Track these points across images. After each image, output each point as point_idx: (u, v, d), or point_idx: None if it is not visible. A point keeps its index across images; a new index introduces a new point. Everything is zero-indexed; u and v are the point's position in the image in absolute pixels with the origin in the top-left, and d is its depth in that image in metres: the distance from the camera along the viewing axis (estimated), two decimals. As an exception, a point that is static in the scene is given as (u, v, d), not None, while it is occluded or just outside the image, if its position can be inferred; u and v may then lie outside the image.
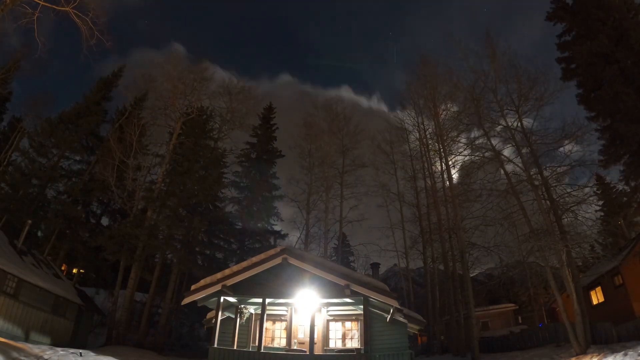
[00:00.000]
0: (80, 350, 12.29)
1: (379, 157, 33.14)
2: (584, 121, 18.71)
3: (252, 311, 13.72)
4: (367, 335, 11.38)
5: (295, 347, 12.54)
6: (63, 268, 27.85)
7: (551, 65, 21.54)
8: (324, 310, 13.32)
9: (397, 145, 33.20)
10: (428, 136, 29.83)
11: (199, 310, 15.60)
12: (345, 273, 11.87)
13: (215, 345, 11.65)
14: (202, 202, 24.18)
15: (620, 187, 25.42)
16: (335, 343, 13.23)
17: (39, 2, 12.50)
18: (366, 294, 11.23)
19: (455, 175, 24.17)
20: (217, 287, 11.96)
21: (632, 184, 21.37)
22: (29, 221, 18.53)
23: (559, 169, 15.67)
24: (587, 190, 15.51)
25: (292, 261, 11.94)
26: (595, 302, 19.64)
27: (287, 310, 13.45)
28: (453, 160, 25.21)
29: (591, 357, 11.68)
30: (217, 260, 27.15)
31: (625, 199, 23.68)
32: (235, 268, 12.37)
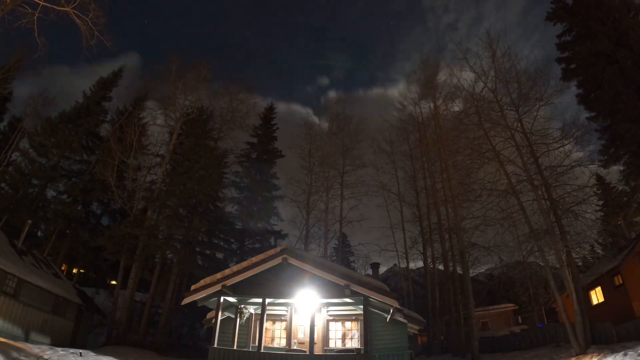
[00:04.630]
0: (80, 350, 12.30)
1: (379, 157, 33.17)
2: (584, 121, 18.74)
3: (252, 311, 13.72)
4: (367, 335, 11.38)
5: (295, 347, 12.54)
6: (63, 268, 27.86)
7: (551, 66, 21.60)
8: (324, 310, 13.33)
9: (398, 145, 33.23)
10: (428, 136, 29.84)
11: (199, 310, 15.61)
12: (345, 273, 11.87)
13: (215, 345, 11.65)
14: (202, 202, 24.19)
15: (620, 187, 25.45)
16: (335, 343, 13.23)
17: (39, 2, 12.50)
18: (366, 294, 11.23)
19: (455, 175, 24.11)
20: (217, 287, 11.96)
21: (632, 184, 21.39)
22: (29, 221, 18.53)
23: (559, 169, 15.65)
24: (587, 190, 15.47)
25: (292, 261, 11.94)
26: (595, 302, 19.64)
27: (287, 310, 13.45)
28: (453, 160, 25.19)
29: (591, 357, 11.67)
30: (217, 260, 27.17)
31: (625, 199, 23.69)
32: (235, 268, 12.37)
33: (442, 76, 29.42)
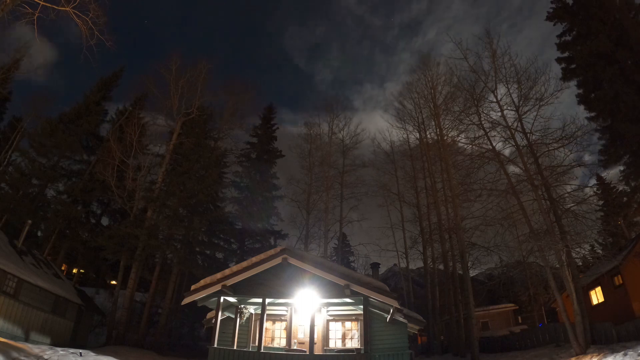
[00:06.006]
0: (80, 350, 12.30)
1: (379, 157, 33.17)
2: (584, 121, 18.72)
3: (252, 311, 13.72)
4: (367, 335, 11.37)
5: (295, 347, 12.53)
6: (63, 268, 27.90)
7: (551, 66, 21.58)
8: (324, 310, 13.32)
9: (398, 145, 33.24)
10: (428, 136, 29.86)
11: (199, 310, 15.60)
12: (345, 273, 11.86)
13: (215, 345, 11.64)
14: (202, 202, 24.18)
15: (620, 187, 25.47)
16: (335, 343, 13.22)
17: (39, 2, 12.49)
18: (366, 294, 11.22)
19: (455, 175, 24.13)
20: (217, 287, 11.95)
21: (632, 184, 21.42)
22: (29, 221, 18.53)
23: (559, 169, 15.65)
24: (587, 190, 15.50)
25: (292, 261, 11.93)
26: (595, 302, 19.64)
27: (287, 310, 13.43)
28: (453, 160, 25.18)
29: (591, 357, 11.68)
30: (217, 260, 27.20)
31: (625, 199, 23.72)
32: (235, 268, 12.36)
33: (442, 76, 29.44)
